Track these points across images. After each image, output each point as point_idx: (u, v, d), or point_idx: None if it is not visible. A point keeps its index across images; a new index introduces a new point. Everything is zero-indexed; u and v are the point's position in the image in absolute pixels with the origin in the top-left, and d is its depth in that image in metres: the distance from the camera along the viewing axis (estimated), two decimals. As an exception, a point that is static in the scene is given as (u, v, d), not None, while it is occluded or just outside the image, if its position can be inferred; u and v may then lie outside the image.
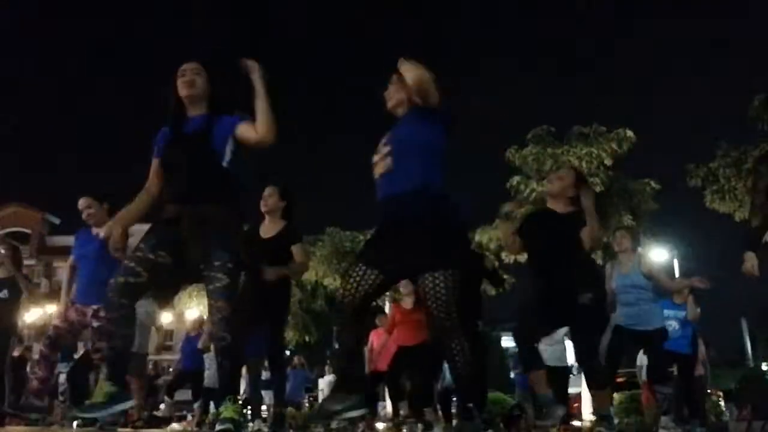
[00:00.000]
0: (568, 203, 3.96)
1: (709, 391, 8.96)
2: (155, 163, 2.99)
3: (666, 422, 4.99)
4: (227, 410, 2.68)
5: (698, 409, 6.83)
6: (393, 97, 2.96)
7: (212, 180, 2.82)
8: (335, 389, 2.72)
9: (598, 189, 13.53)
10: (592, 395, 3.62)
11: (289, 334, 18.87)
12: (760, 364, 19.07)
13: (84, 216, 4.56)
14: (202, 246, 2.75)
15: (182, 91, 2.92)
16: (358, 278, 2.68)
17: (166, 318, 13.48)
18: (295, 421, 9.70)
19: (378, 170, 2.83)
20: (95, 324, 4.30)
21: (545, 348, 6.95)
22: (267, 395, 11.63)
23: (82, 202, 4.57)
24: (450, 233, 2.68)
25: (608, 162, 13.59)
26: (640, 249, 5.35)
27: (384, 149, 2.84)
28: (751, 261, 3.43)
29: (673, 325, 6.31)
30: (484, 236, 14.25)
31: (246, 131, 2.87)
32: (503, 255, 14.38)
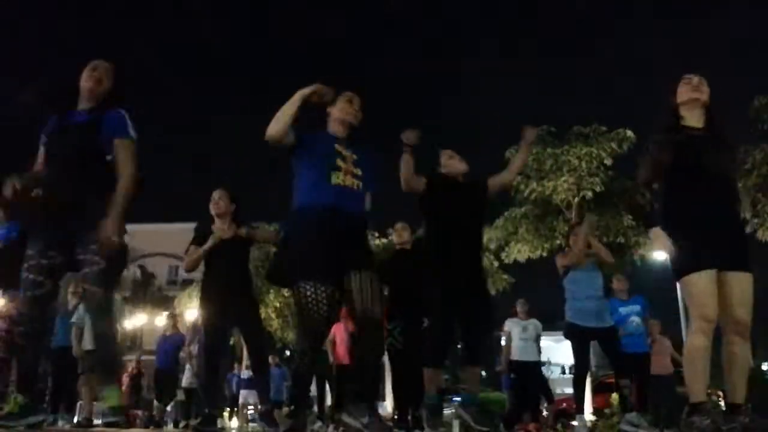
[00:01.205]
0: None
1: (709, 391, 8.93)
2: (41, 149, 2.99)
3: (630, 418, 4.84)
4: (110, 398, 2.75)
5: (655, 407, 6.78)
6: (357, 117, 3.16)
7: (92, 170, 2.84)
8: (352, 401, 2.79)
9: (598, 189, 13.55)
10: (465, 370, 3.80)
11: (289, 335, 18.85)
12: (760, 364, 19.06)
13: None
14: (79, 232, 2.74)
15: (87, 83, 2.97)
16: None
17: (163, 319, 13.43)
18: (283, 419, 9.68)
19: (345, 180, 2.91)
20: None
21: (518, 343, 6.98)
22: (249, 395, 11.67)
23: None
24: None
25: (608, 162, 13.59)
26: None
27: (354, 168, 2.97)
28: (660, 237, 3.12)
29: (636, 321, 6.27)
30: (484, 236, 14.27)
31: (118, 153, 2.88)
32: (503, 255, 14.39)
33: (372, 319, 2.74)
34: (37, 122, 3.00)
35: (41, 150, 2.99)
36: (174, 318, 9.17)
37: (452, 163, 4.12)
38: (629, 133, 13.69)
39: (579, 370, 5.16)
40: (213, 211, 4.57)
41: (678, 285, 2.96)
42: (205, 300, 4.49)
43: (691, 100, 3.14)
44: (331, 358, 7.28)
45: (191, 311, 19.29)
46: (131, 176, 2.83)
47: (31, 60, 71.31)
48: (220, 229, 4.48)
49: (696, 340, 2.86)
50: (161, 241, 30.44)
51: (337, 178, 2.86)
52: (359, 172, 2.96)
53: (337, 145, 2.99)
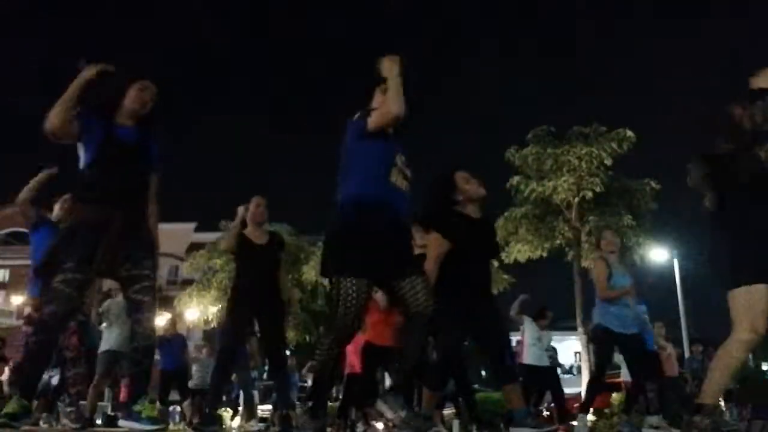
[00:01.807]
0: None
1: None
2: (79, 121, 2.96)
3: (655, 421, 4.90)
4: (146, 409, 2.80)
5: (667, 409, 6.82)
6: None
7: (143, 190, 3.01)
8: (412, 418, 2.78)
9: (598, 189, 13.56)
10: (506, 390, 3.58)
11: (290, 334, 18.87)
12: (760, 364, 19.06)
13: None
14: (134, 248, 2.88)
15: (134, 104, 3.02)
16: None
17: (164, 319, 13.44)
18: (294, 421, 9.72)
19: (399, 183, 2.86)
20: (80, 317, 4.51)
21: (532, 349, 6.96)
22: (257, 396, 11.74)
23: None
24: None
25: (608, 162, 13.61)
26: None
27: (405, 168, 2.90)
28: None
29: (646, 320, 6.29)
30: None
31: (152, 188, 3.09)
32: (503, 255, 14.39)
33: (424, 315, 2.75)
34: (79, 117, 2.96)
35: (85, 148, 2.97)
36: (174, 320, 9.21)
37: (471, 189, 3.64)
38: (629, 133, 13.71)
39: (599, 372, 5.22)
40: (256, 219, 4.56)
41: (730, 294, 2.86)
42: (235, 303, 4.49)
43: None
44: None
45: (191, 311, 19.32)
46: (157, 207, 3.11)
47: (32, 60, 71.35)
48: (254, 235, 4.53)
49: (738, 351, 2.78)
50: (161, 241, 30.25)
51: (393, 177, 2.85)
52: (409, 174, 2.92)
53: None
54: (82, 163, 2.94)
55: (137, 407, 2.80)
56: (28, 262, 4.78)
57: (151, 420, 2.77)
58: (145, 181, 3.03)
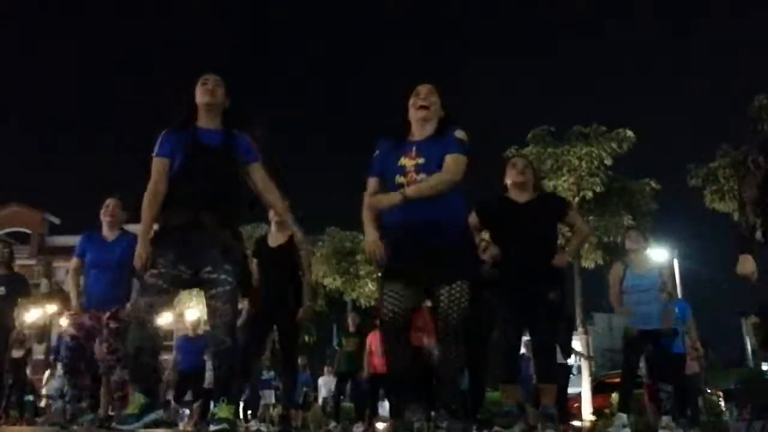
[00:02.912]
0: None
1: (709, 390, 8.98)
2: (164, 163, 2.97)
3: (667, 422, 4.96)
4: (222, 410, 2.78)
5: (692, 407, 6.81)
6: (432, 106, 2.98)
7: (231, 193, 2.97)
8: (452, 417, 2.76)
9: (598, 189, 13.56)
10: (541, 389, 3.54)
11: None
12: (760, 364, 19.07)
13: (108, 217, 4.55)
14: (215, 251, 2.85)
15: (203, 98, 3.01)
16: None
17: (166, 318, 13.45)
18: (297, 421, 9.73)
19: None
20: (113, 325, 4.36)
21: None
22: (268, 395, 11.74)
23: (113, 203, 4.58)
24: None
25: (608, 162, 13.60)
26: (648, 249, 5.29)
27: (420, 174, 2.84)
28: (748, 264, 3.05)
29: (677, 321, 6.26)
30: (485, 236, 14.28)
31: (257, 177, 3.06)
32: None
33: (453, 327, 2.76)
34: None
35: (162, 162, 2.97)
36: (198, 321, 9.30)
37: (508, 175, 3.78)
38: (629, 133, 13.71)
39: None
40: (275, 219, 4.62)
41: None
42: (257, 304, 4.58)
43: None
44: (366, 371, 7.25)
45: (191, 311, 19.30)
46: (276, 188, 3.12)
47: (30, 61, 71.41)
48: (274, 236, 4.63)
49: None
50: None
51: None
52: (424, 177, 2.84)
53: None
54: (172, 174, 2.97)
55: (214, 409, 2.82)
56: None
57: (222, 421, 2.74)
58: (235, 179, 3.00)
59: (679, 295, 16.98)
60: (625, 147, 13.66)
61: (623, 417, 5.04)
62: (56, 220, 38.06)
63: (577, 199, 13.73)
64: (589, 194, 13.52)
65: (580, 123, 14.12)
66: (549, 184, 13.68)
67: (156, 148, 3.00)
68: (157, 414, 2.86)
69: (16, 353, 8.36)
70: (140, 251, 2.87)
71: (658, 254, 15.75)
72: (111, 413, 5.12)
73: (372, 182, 2.99)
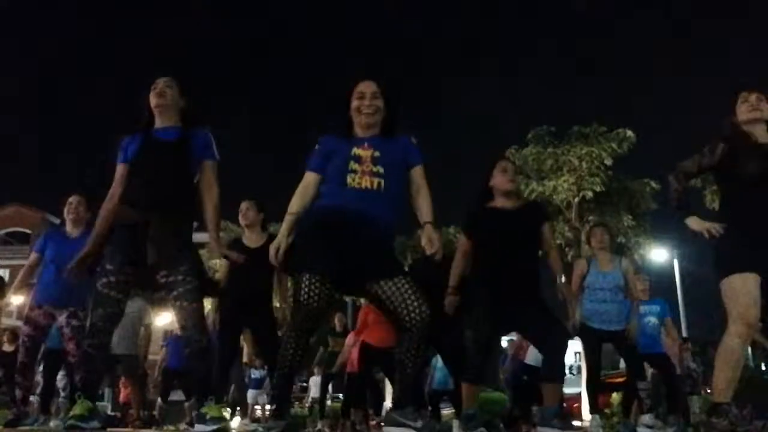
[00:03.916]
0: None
1: (709, 390, 8.99)
2: (122, 168, 3.03)
3: (647, 420, 4.91)
4: (212, 410, 2.77)
5: (682, 406, 6.79)
6: (377, 112, 2.84)
7: (183, 190, 2.96)
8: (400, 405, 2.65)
9: (598, 189, 13.55)
10: (544, 387, 3.45)
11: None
12: (760, 365, 19.06)
13: (72, 215, 4.57)
14: (168, 252, 2.84)
15: (153, 100, 3.05)
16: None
17: (165, 318, 13.44)
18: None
19: (363, 183, 2.71)
20: (75, 323, 4.37)
21: (533, 349, 6.93)
22: (256, 394, 11.73)
23: (76, 201, 4.59)
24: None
25: (608, 162, 13.59)
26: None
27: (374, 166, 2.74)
28: (696, 223, 3.14)
29: (652, 322, 6.23)
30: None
31: (204, 176, 3.03)
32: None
33: (423, 321, 2.57)
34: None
35: (122, 168, 3.03)
36: None
37: (496, 181, 3.69)
38: (629, 133, 13.69)
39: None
40: (242, 222, 4.65)
41: (722, 287, 2.92)
42: (226, 305, 4.55)
43: (750, 120, 3.11)
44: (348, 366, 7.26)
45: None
46: (219, 195, 3.02)
47: (30, 58, 71.41)
48: (249, 238, 4.57)
49: (733, 342, 2.80)
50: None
51: (353, 181, 2.71)
52: (381, 170, 2.72)
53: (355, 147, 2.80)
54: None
55: (203, 409, 2.80)
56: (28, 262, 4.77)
57: (216, 420, 2.74)
58: (189, 176, 2.99)
59: (679, 296, 17.07)
60: (625, 147, 13.64)
61: (596, 417, 5.05)
62: (56, 220, 38.03)
63: (577, 199, 13.72)
64: (589, 194, 13.51)
65: (580, 123, 14.12)
66: (549, 184, 13.67)
67: (118, 155, 3.06)
68: (99, 421, 2.83)
69: (8, 347, 8.38)
70: (86, 251, 2.94)
71: (658, 254, 15.79)
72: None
73: (309, 176, 2.87)
